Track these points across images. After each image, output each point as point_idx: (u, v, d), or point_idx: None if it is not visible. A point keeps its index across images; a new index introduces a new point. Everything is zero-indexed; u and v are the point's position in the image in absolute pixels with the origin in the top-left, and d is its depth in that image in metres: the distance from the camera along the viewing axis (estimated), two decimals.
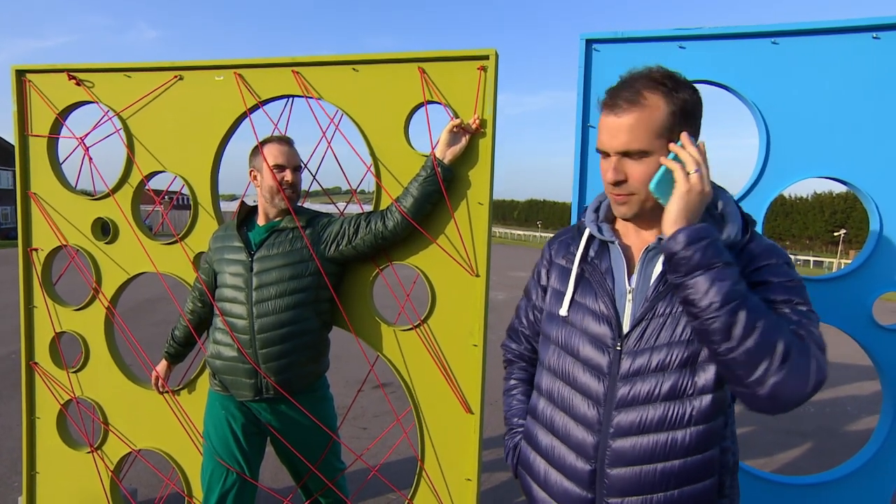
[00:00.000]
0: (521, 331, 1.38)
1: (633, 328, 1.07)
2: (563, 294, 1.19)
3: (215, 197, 2.25)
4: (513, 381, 1.39)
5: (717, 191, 1.12)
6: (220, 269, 2.00)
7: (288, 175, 1.95)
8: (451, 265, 1.97)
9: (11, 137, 2.53)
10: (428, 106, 1.97)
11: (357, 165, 2.10)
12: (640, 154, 1.04)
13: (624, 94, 1.04)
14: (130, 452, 2.43)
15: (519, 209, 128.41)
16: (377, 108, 2.00)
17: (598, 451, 1.08)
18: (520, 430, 1.30)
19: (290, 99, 2.15)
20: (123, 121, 2.24)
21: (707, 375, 1.03)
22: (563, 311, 1.17)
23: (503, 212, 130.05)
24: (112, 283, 2.35)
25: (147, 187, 2.32)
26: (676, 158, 1.02)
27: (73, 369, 2.43)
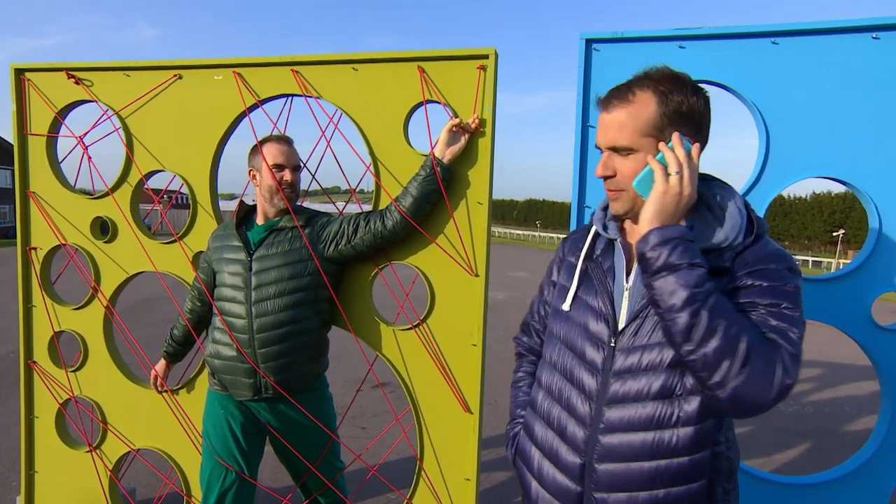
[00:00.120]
0: (533, 325, 1.41)
1: (627, 325, 1.09)
2: (568, 290, 1.21)
3: (214, 196, 2.25)
4: (520, 374, 1.42)
5: (723, 191, 1.11)
6: (219, 269, 2.00)
7: (287, 174, 1.95)
8: (450, 265, 1.97)
9: (10, 136, 2.53)
10: (427, 105, 1.97)
11: (356, 165, 2.10)
12: (626, 150, 1.06)
13: (617, 91, 1.07)
14: (129, 452, 2.43)
15: (518, 209, 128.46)
16: (376, 108, 2.00)
17: (588, 445, 1.10)
18: (521, 420, 1.33)
19: (290, 98, 2.15)
20: (122, 120, 2.24)
21: None
22: (565, 307, 1.20)
23: (502, 211, 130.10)
24: (111, 282, 2.35)
25: (146, 186, 2.32)
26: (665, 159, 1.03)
27: (72, 368, 2.42)
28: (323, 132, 2.10)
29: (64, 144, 2.37)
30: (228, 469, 1.99)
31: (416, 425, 2.07)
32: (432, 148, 1.89)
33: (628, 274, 1.13)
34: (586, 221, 1.88)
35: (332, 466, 2.17)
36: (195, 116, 2.18)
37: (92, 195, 2.32)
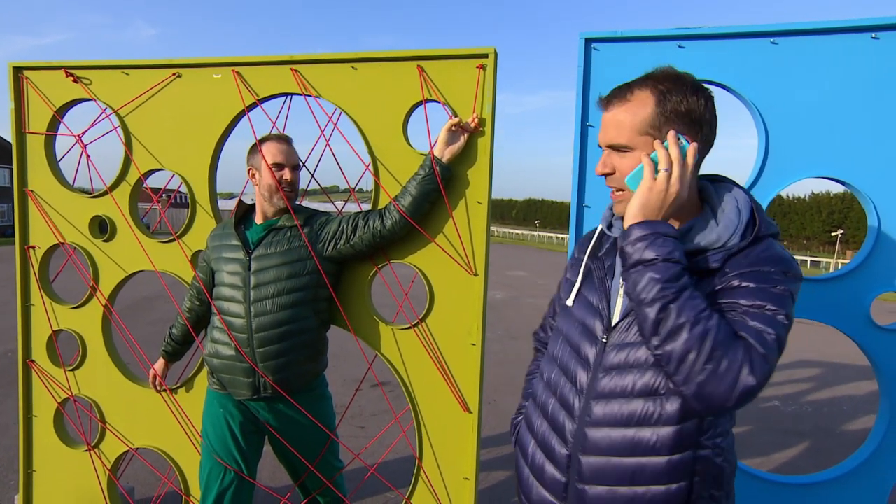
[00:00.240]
0: (549, 321, 1.45)
1: (619, 322, 1.10)
2: (573, 286, 1.25)
3: (213, 195, 2.25)
4: (532, 367, 1.46)
5: (727, 192, 1.11)
6: (217, 268, 2.00)
7: (286, 173, 1.95)
8: (449, 264, 1.97)
9: (8, 135, 2.53)
10: (427, 104, 1.97)
11: (355, 164, 2.10)
12: (624, 148, 1.08)
13: (618, 91, 1.09)
14: (128, 451, 2.43)
15: (517, 208, 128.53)
16: (376, 107, 2.00)
17: (575, 437, 1.12)
18: (524, 410, 1.37)
19: (289, 97, 2.15)
20: (121, 118, 2.23)
21: None
22: (569, 302, 1.24)
23: (501, 211, 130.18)
24: (109, 281, 2.34)
25: (145, 185, 2.32)
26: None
27: (71, 367, 2.42)
28: (322, 131, 2.10)
29: (62, 143, 2.37)
30: (227, 468, 1.98)
31: (415, 425, 2.07)
32: (431, 147, 1.89)
33: None
34: (585, 221, 1.88)
35: (331, 466, 2.17)
36: (194, 115, 2.18)
37: (90, 194, 2.32)
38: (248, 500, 2.04)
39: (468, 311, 1.97)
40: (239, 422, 2.01)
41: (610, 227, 1.21)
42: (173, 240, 2.25)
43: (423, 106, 1.97)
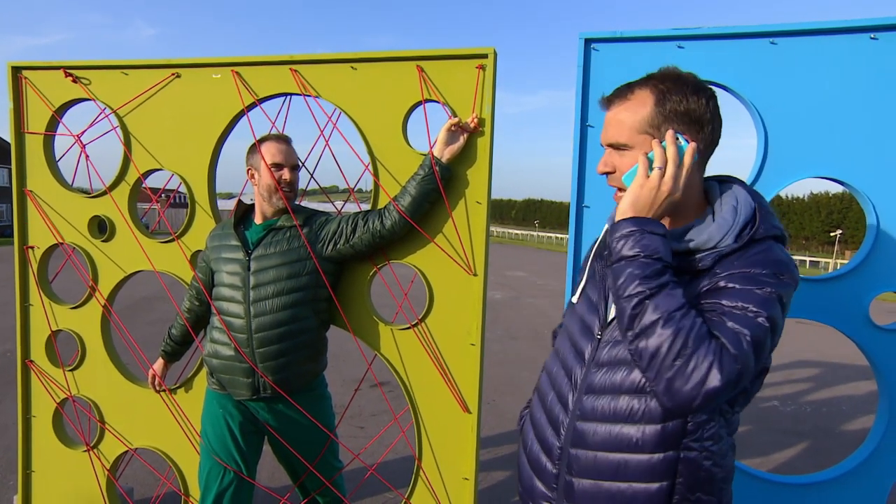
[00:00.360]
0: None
1: (613, 319, 1.11)
2: (580, 283, 1.28)
3: (213, 195, 2.24)
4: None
5: (729, 193, 1.10)
6: (217, 268, 2.00)
7: (286, 174, 1.95)
8: (448, 264, 1.97)
9: (7, 135, 2.53)
10: (426, 104, 1.97)
11: (355, 164, 2.10)
12: (623, 147, 1.08)
13: (619, 90, 1.10)
14: (127, 451, 2.43)
15: (516, 208, 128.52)
16: (375, 107, 2.00)
17: (567, 431, 1.14)
18: (531, 402, 1.38)
19: (288, 97, 2.14)
20: (120, 118, 2.23)
21: None
22: (574, 299, 1.27)
23: (500, 211, 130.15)
24: (109, 281, 2.34)
25: (144, 185, 2.31)
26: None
27: (70, 368, 2.42)
28: (322, 131, 2.10)
29: (61, 143, 2.37)
30: (226, 468, 1.98)
31: (414, 425, 2.07)
32: (431, 147, 1.89)
33: None
34: (585, 221, 1.88)
35: (331, 466, 2.17)
36: (193, 115, 2.17)
37: (89, 194, 2.32)
38: (247, 501, 2.04)
39: (468, 312, 1.97)
40: (238, 422, 2.01)
41: None
42: (172, 240, 2.25)
43: (422, 106, 1.97)
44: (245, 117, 2.15)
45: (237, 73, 2.09)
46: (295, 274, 1.91)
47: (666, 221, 1.12)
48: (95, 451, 2.44)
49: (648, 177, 1.03)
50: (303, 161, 2.06)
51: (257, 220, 2.02)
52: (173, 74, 2.17)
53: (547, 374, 1.28)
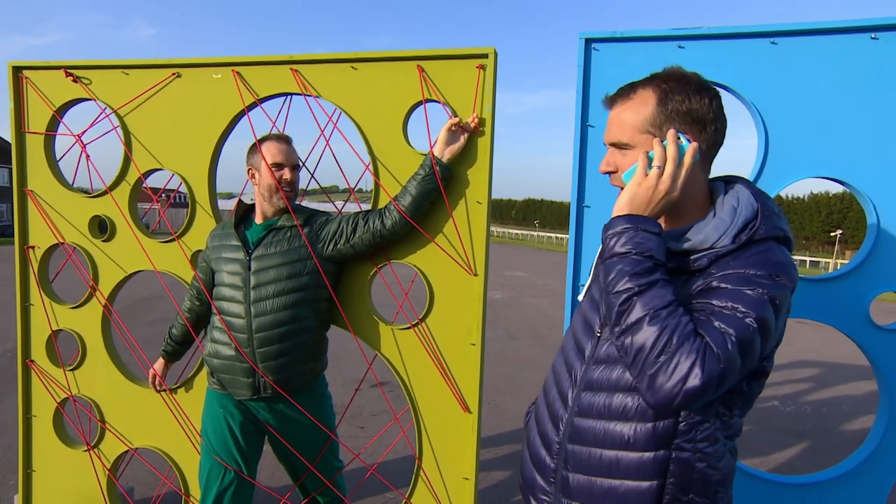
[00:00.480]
0: None
1: None
2: (587, 283, 1.30)
3: (213, 195, 2.24)
4: None
5: (730, 193, 1.10)
6: (217, 268, 2.00)
7: (286, 173, 1.95)
8: (449, 264, 1.97)
9: (8, 134, 2.52)
10: (427, 104, 1.97)
11: (355, 164, 2.10)
12: (625, 146, 1.09)
13: (622, 90, 1.10)
14: (127, 451, 2.43)
15: (516, 208, 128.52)
16: (376, 107, 2.00)
17: (565, 426, 1.15)
18: (538, 398, 1.40)
19: (289, 97, 2.15)
20: (121, 118, 2.23)
21: None
22: (580, 298, 1.30)
23: (500, 211, 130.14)
24: (109, 280, 2.34)
25: (144, 185, 2.32)
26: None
27: (70, 367, 2.42)
28: (322, 131, 2.10)
29: (62, 143, 2.37)
30: (227, 468, 1.98)
31: (414, 425, 2.07)
32: (431, 147, 1.89)
33: None
34: (585, 221, 1.88)
35: (331, 466, 2.17)
36: (194, 115, 2.17)
37: (90, 194, 2.32)
38: (247, 500, 2.04)
39: (468, 311, 1.97)
40: (239, 422, 2.01)
41: None
42: (173, 240, 2.25)
43: (422, 106, 1.97)
44: (245, 117, 2.15)
45: (237, 72, 2.09)
46: (295, 274, 1.91)
47: (663, 221, 1.12)
48: (96, 450, 2.44)
49: (647, 175, 1.03)
50: (303, 161, 2.06)
51: (258, 219, 2.02)
52: (174, 74, 2.17)
53: (553, 370, 1.29)
